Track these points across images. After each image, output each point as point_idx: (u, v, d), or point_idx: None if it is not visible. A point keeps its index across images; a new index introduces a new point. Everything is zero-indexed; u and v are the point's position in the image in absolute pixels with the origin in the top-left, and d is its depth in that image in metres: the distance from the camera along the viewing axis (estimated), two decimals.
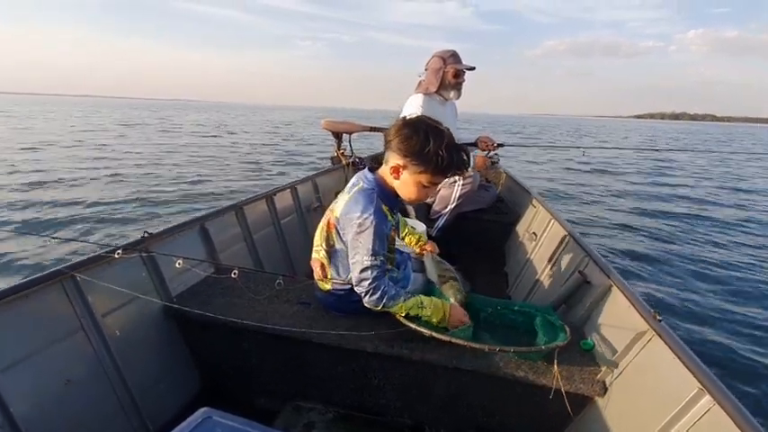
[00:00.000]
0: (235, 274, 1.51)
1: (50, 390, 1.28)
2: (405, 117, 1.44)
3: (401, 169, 1.40)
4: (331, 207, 1.54)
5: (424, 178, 1.38)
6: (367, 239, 1.36)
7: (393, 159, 1.40)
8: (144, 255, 1.65)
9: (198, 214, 2.08)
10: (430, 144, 1.33)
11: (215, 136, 20.16)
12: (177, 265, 1.50)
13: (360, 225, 1.37)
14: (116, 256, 1.49)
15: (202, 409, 0.84)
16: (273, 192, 2.74)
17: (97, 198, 6.77)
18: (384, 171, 1.48)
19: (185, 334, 1.72)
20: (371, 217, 1.36)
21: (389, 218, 1.48)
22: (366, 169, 1.51)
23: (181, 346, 1.73)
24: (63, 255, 4.12)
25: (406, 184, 1.42)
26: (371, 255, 1.36)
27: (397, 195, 1.49)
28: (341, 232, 1.47)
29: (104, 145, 14.38)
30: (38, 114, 35.52)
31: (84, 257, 1.47)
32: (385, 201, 1.45)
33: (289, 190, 2.95)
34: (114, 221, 5.70)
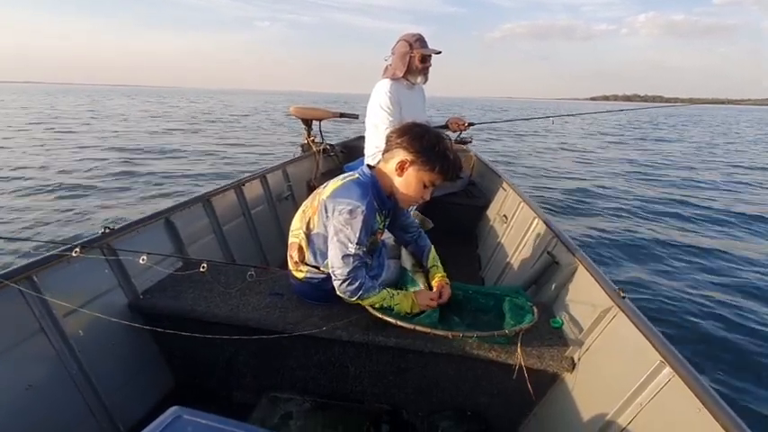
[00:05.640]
0: (204, 267, 1.47)
1: (11, 396, 1.22)
2: (412, 121, 1.52)
3: (407, 165, 1.43)
4: (318, 191, 1.52)
5: (427, 177, 1.43)
6: (355, 228, 1.36)
7: (399, 156, 1.43)
8: (105, 251, 1.59)
9: (162, 207, 2.01)
10: (440, 144, 1.42)
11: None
12: (141, 261, 1.45)
13: (351, 213, 1.36)
14: (73, 254, 1.42)
15: (172, 409, 0.82)
16: (242, 181, 2.67)
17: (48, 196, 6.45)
18: (381, 170, 1.49)
19: (154, 331, 1.67)
20: (364, 208, 1.36)
21: (378, 217, 1.48)
22: (365, 165, 1.54)
23: (150, 343, 1.69)
24: (16, 256, 3.90)
25: (408, 182, 1.45)
26: (356, 244, 1.36)
27: (389, 196, 1.51)
28: (326, 215, 1.44)
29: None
30: None
31: (40, 257, 1.41)
32: (377, 198, 1.46)
33: (258, 179, 2.89)
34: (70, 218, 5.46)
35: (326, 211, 1.43)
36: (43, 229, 5.05)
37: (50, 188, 6.92)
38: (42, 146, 11.39)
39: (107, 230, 1.63)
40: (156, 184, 7.40)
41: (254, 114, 28.89)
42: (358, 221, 1.35)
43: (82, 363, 1.41)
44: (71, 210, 5.80)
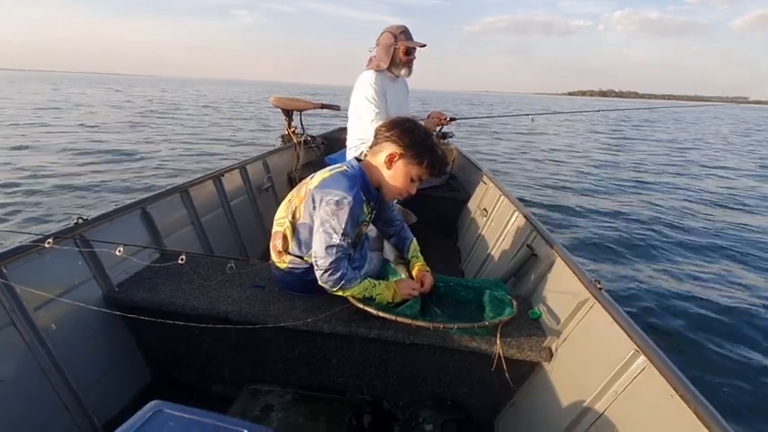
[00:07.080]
0: (182, 259, 1.45)
1: None
2: (401, 116, 1.56)
3: (396, 158, 1.45)
4: (305, 181, 1.52)
5: (415, 171, 1.47)
6: (342, 219, 1.36)
7: (389, 149, 1.46)
8: (79, 242, 1.54)
9: (138, 197, 1.96)
10: (429, 140, 1.48)
11: None
12: (117, 252, 1.41)
13: (338, 203, 1.36)
14: (46, 245, 1.37)
15: (152, 403, 0.80)
16: (221, 172, 2.63)
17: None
18: (369, 162, 1.51)
19: (130, 324, 1.64)
20: (351, 199, 1.37)
21: (365, 208, 1.49)
22: (353, 158, 1.56)
23: (126, 336, 1.65)
24: None
25: (396, 175, 1.48)
26: (341, 234, 1.36)
27: (377, 189, 1.52)
28: (312, 205, 1.44)
29: None
30: None
31: (11, 248, 1.35)
32: (364, 190, 1.47)
33: (238, 170, 2.84)
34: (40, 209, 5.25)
35: (314, 202, 1.43)
36: (13, 219, 4.86)
37: (22, 178, 6.64)
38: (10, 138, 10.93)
39: (80, 221, 1.58)
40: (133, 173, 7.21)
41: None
42: (345, 212, 1.36)
43: (55, 357, 1.37)
44: (42, 200, 5.60)
